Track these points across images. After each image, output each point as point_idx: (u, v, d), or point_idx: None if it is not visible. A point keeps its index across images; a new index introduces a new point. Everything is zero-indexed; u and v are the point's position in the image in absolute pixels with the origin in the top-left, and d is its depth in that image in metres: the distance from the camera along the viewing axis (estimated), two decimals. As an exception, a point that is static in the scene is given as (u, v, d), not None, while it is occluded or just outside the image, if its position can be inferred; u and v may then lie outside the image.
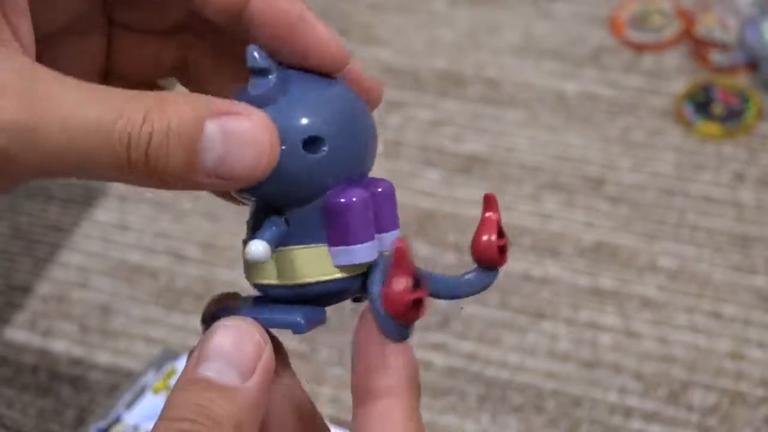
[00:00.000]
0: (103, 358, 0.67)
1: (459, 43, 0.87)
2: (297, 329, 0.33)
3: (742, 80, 0.81)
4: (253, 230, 0.33)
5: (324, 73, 0.34)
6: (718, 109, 0.79)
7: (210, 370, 0.31)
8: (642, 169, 0.76)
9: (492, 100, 0.82)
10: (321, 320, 0.33)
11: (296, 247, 0.33)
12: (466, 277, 0.35)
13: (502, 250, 0.34)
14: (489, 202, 0.34)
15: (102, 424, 0.60)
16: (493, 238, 0.34)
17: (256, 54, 0.32)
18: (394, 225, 0.34)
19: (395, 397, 0.32)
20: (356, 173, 0.33)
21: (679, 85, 0.81)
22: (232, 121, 0.31)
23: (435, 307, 0.73)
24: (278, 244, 0.33)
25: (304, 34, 0.35)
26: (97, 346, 0.68)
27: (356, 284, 0.33)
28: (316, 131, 0.32)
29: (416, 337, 0.72)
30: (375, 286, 0.32)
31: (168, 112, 0.30)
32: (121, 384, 0.65)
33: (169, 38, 0.38)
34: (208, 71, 0.38)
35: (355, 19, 0.89)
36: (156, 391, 0.61)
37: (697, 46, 0.84)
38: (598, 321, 0.67)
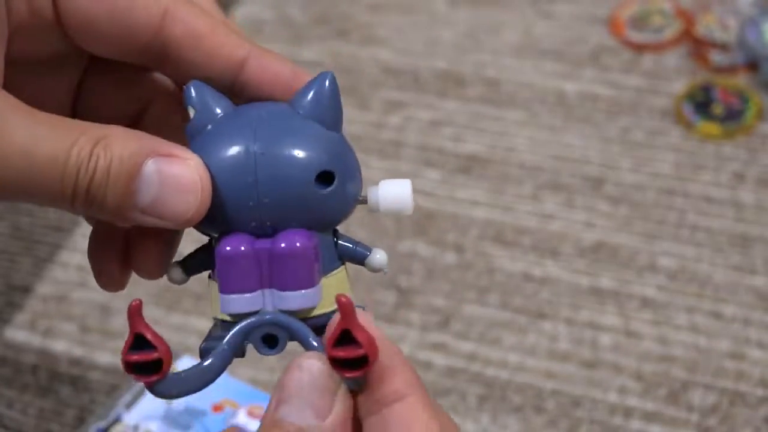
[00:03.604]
0: (103, 358, 0.67)
1: (459, 43, 0.87)
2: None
3: (742, 80, 0.81)
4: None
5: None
6: (718, 109, 0.79)
7: (288, 413, 0.31)
8: (642, 169, 0.76)
9: (492, 100, 0.82)
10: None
11: (211, 279, 0.34)
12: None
13: (348, 362, 0.31)
14: (342, 309, 0.31)
15: (102, 424, 0.60)
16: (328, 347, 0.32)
17: (190, 95, 0.34)
18: (294, 285, 0.32)
19: (412, 396, 0.32)
20: (265, 223, 0.33)
21: (679, 85, 0.81)
22: (170, 164, 0.31)
23: (435, 307, 0.73)
24: (202, 270, 0.34)
25: (295, 87, 0.35)
26: (97, 346, 0.68)
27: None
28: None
29: (416, 337, 0.72)
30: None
31: (112, 148, 0.31)
32: (121, 384, 0.65)
33: (138, 79, 0.38)
34: (165, 117, 0.39)
35: (355, 19, 0.89)
36: (156, 391, 0.61)
37: (697, 46, 0.84)
38: (598, 321, 0.67)
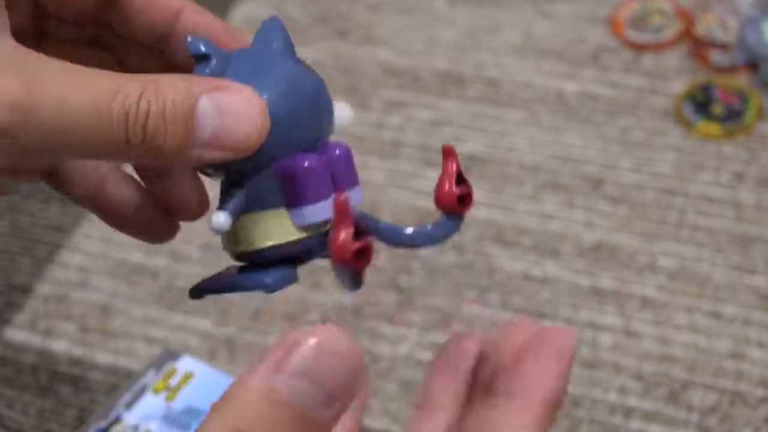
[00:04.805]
0: (103, 358, 0.67)
1: (459, 43, 0.87)
2: (265, 289, 0.35)
3: (742, 80, 0.81)
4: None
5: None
6: (718, 109, 0.79)
7: (296, 392, 0.27)
8: (642, 169, 0.76)
9: (492, 100, 0.82)
10: (290, 279, 0.35)
11: (256, 212, 0.35)
12: (427, 227, 0.37)
13: (463, 198, 0.36)
14: (446, 153, 0.36)
15: (102, 424, 0.60)
16: (451, 186, 0.36)
17: (198, 44, 0.35)
18: (353, 183, 0.36)
19: (528, 405, 0.32)
20: (307, 140, 0.36)
21: (679, 85, 0.81)
22: (224, 95, 0.33)
23: (434, 307, 0.73)
24: (240, 212, 0.35)
25: (229, 44, 0.38)
26: (97, 346, 0.68)
27: (319, 243, 0.35)
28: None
29: (416, 337, 0.72)
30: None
31: (163, 89, 0.32)
32: (121, 384, 0.65)
33: (92, 40, 0.40)
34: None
35: (355, 19, 0.89)
36: (156, 391, 0.61)
37: (697, 46, 0.84)
38: (598, 321, 0.67)
